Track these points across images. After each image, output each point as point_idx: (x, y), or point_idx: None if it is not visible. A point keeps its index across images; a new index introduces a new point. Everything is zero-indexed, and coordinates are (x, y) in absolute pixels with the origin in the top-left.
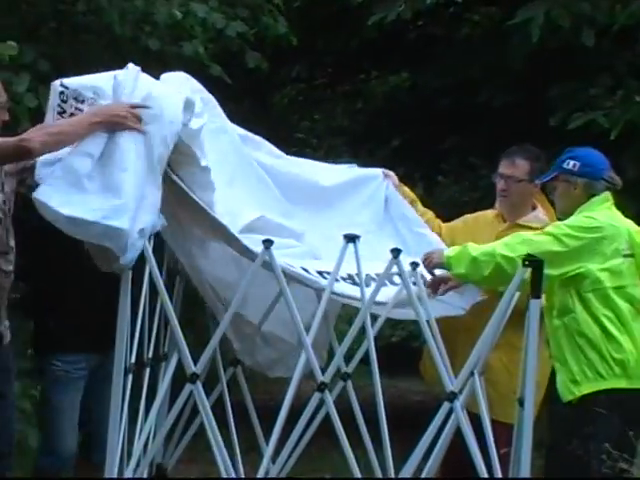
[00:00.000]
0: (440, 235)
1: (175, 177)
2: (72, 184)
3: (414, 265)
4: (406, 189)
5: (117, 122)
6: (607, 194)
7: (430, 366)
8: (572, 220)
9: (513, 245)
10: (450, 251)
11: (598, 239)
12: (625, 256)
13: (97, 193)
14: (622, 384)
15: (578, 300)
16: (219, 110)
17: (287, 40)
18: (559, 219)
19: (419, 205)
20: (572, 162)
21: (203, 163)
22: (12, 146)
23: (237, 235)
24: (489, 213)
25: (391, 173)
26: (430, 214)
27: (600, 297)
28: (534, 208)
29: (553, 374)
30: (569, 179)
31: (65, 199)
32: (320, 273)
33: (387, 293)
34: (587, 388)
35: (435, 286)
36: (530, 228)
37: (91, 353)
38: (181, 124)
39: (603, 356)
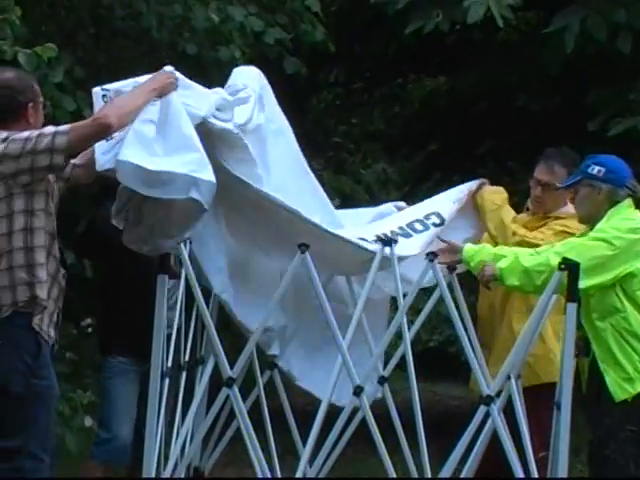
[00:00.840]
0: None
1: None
2: (145, 148)
3: (431, 256)
4: (486, 197)
5: (168, 87)
6: (630, 200)
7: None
8: (613, 224)
9: (564, 253)
10: (502, 262)
11: (632, 240)
12: None
13: (170, 154)
14: None
15: (627, 299)
16: (278, 110)
17: (325, 47)
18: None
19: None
20: (597, 168)
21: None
22: (90, 125)
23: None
24: (523, 215)
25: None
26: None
27: None
28: (565, 204)
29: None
30: (593, 184)
31: (147, 159)
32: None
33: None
34: None
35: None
36: (557, 217)
37: (141, 357)
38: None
39: None
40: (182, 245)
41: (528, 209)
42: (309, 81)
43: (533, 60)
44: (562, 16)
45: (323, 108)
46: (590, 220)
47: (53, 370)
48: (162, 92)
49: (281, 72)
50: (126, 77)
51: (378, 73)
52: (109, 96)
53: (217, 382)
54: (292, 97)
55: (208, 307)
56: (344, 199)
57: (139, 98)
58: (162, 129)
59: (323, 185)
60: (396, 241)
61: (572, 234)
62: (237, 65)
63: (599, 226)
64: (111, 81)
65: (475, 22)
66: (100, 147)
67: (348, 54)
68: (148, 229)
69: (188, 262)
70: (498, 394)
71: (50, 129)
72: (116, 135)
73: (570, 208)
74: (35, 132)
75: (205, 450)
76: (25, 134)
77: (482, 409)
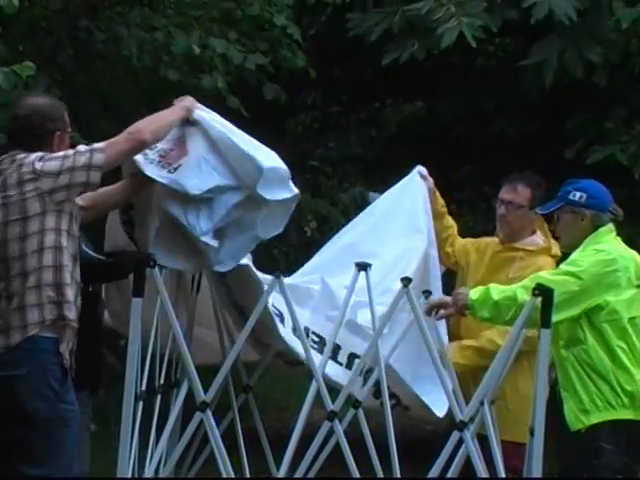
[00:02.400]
0: (453, 251)
1: None
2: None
3: (427, 294)
4: (438, 196)
5: (194, 108)
6: (611, 225)
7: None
8: (584, 255)
9: (532, 288)
10: (473, 294)
11: (613, 272)
12: (636, 287)
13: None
14: (629, 415)
15: (590, 331)
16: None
17: (305, 73)
18: (563, 253)
19: (447, 217)
20: (579, 194)
21: None
22: (125, 141)
23: None
24: (495, 240)
25: (427, 175)
26: (453, 229)
27: (616, 328)
28: (533, 232)
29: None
30: (576, 210)
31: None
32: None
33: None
34: (596, 417)
35: (430, 311)
36: (525, 250)
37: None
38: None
39: (613, 387)
40: (157, 270)
41: (497, 235)
42: (287, 105)
43: (511, 85)
44: (540, 48)
45: (301, 131)
46: (574, 246)
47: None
48: (190, 112)
49: (260, 97)
50: (104, 100)
51: (356, 97)
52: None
53: (191, 406)
54: (270, 120)
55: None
56: (320, 222)
57: (172, 114)
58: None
59: (299, 207)
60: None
61: None
62: (219, 94)
63: (572, 257)
64: (88, 103)
65: (448, 47)
66: (184, 174)
67: (326, 78)
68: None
69: (162, 285)
70: (472, 419)
71: (86, 147)
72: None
73: (538, 238)
74: (70, 150)
75: (179, 473)
76: (61, 153)
77: (455, 434)
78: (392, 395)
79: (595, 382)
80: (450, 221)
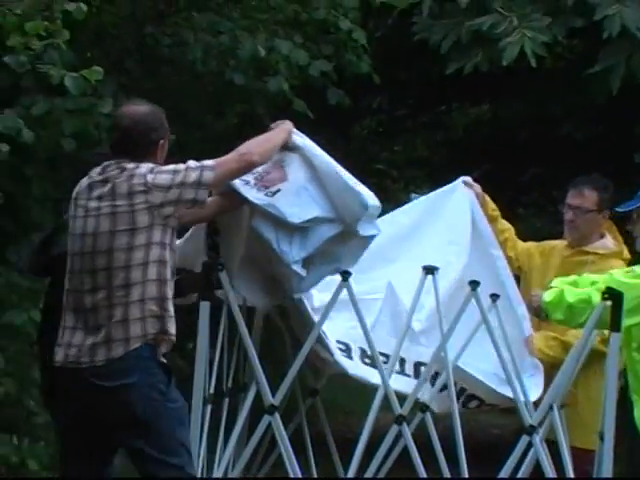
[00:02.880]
0: (515, 255)
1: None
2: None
3: (494, 297)
4: (488, 200)
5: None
6: None
7: None
8: None
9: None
10: (547, 295)
11: None
12: None
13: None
14: None
15: None
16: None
17: (370, 78)
18: (637, 253)
19: (500, 220)
20: None
21: None
22: (236, 161)
23: None
24: (562, 243)
25: (472, 182)
26: (510, 232)
27: None
28: (602, 236)
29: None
30: None
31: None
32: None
33: None
34: None
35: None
36: (596, 254)
37: None
38: None
39: None
40: (224, 273)
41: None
42: (352, 108)
43: (578, 88)
44: (607, 54)
45: (366, 135)
46: None
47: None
48: (291, 135)
49: (324, 101)
50: (170, 104)
51: (421, 100)
52: None
53: (259, 409)
54: (335, 124)
55: (250, 332)
56: None
57: (277, 136)
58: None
59: None
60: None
61: None
62: (285, 97)
63: None
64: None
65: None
66: (283, 200)
67: (391, 81)
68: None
69: (229, 286)
70: (541, 423)
71: (196, 163)
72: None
73: (608, 242)
74: (181, 165)
75: (247, 477)
76: (171, 166)
77: (524, 438)
78: (472, 396)
79: None
80: (505, 224)
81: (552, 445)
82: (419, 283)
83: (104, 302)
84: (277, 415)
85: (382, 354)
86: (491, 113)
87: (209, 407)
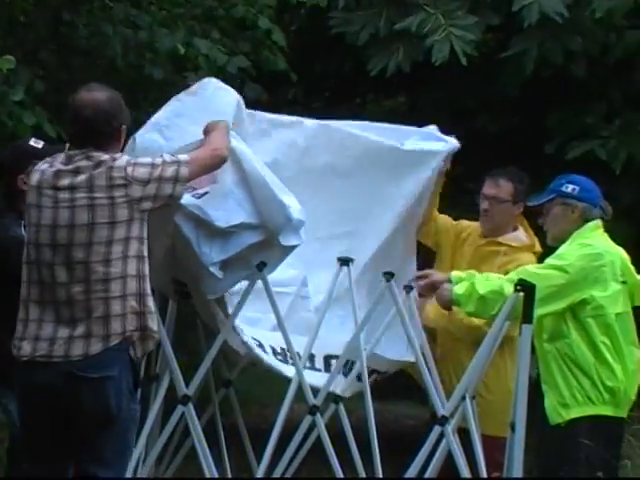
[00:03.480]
0: (436, 229)
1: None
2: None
3: (408, 289)
4: None
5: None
6: (599, 221)
7: None
8: (570, 249)
9: (526, 279)
10: (459, 288)
11: (599, 266)
12: (621, 282)
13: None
14: (608, 411)
15: (574, 326)
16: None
17: (287, 76)
18: (548, 247)
19: None
20: (571, 186)
21: None
22: (210, 157)
23: None
24: (477, 229)
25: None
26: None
27: (601, 324)
28: (515, 229)
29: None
30: (568, 202)
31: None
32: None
33: None
34: (576, 412)
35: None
36: (509, 246)
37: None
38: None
39: (594, 382)
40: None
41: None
42: (268, 100)
43: (492, 81)
44: (520, 40)
45: None
46: (561, 239)
47: None
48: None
49: (241, 94)
50: None
51: (338, 93)
52: None
53: (171, 400)
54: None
55: (164, 323)
56: None
57: (225, 134)
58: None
59: None
60: None
61: None
62: None
63: (558, 251)
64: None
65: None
66: (210, 203)
67: (307, 73)
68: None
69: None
70: (452, 414)
71: (171, 157)
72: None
73: (521, 235)
74: (158, 159)
75: (159, 468)
76: (148, 159)
77: (436, 429)
78: (372, 371)
79: (576, 377)
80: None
81: (463, 433)
82: (333, 276)
83: (81, 296)
84: (190, 405)
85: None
86: (407, 105)
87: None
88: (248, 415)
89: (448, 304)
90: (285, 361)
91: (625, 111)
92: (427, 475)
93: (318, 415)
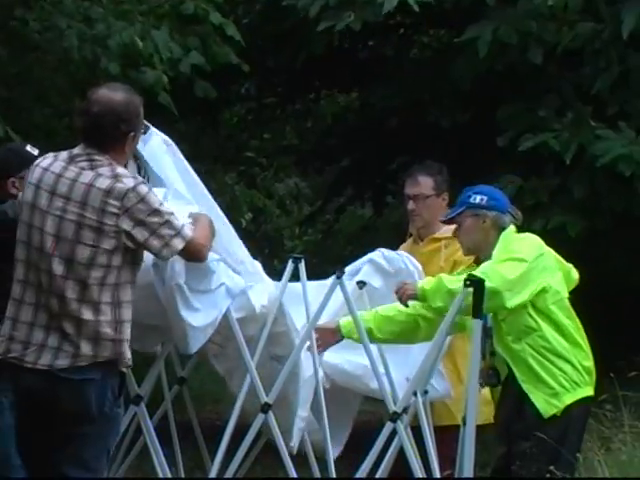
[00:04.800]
0: None
1: None
2: None
3: (361, 284)
4: None
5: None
6: (512, 227)
7: None
8: (513, 246)
9: (488, 274)
10: (425, 283)
11: (544, 255)
12: (559, 269)
13: None
14: (590, 392)
15: (540, 317)
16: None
17: (238, 69)
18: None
19: None
20: (479, 197)
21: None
22: (201, 251)
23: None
24: (407, 243)
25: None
26: None
27: (562, 308)
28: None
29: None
30: (478, 212)
31: None
32: None
33: None
34: (569, 398)
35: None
36: (447, 238)
37: None
38: None
39: (574, 366)
40: None
41: (411, 235)
42: (221, 95)
43: (444, 76)
44: (474, 28)
45: (235, 122)
46: (477, 250)
47: None
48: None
49: (192, 89)
50: (36, 91)
51: (290, 88)
52: None
53: (125, 399)
54: (204, 111)
55: None
56: (256, 213)
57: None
58: None
59: (235, 199)
60: None
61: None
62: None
63: (501, 250)
64: (20, 93)
65: (387, 36)
66: None
67: (260, 67)
68: None
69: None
70: (405, 410)
71: (176, 223)
72: None
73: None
74: (167, 212)
75: (112, 467)
76: (156, 202)
77: (389, 425)
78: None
79: (557, 365)
80: None
81: (416, 430)
82: (286, 273)
83: (56, 308)
84: (142, 405)
85: None
86: (359, 101)
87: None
88: (202, 412)
89: (408, 299)
90: None
91: (576, 104)
92: (380, 471)
93: (270, 413)
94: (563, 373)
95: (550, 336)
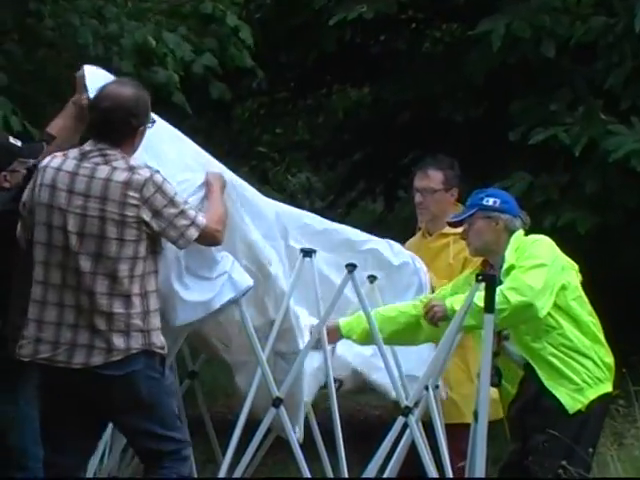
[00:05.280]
0: None
1: None
2: None
3: (372, 278)
4: None
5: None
6: (521, 231)
7: None
8: (529, 250)
9: (518, 288)
10: (454, 303)
11: (556, 256)
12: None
13: None
14: (609, 388)
15: (560, 315)
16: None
17: (253, 74)
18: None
19: None
20: (492, 199)
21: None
22: (214, 235)
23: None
24: (416, 237)
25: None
26: None
27: (582, 304)
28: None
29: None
30: (490, 215)
31: None
32: None
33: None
34: (592, 393)
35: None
36: (455, 234)
37: None
38: None
39: (595, 362)
40: None
41: (420, 229)
42: (233, 89)
43: (457, 71)
44: (488, 21)
45: (247, 117)
46: (486, 251)
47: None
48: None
49: (205, 92)
50: (49, 89)
51: (302, 83)
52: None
53: None
54: (216, 106)
55: None
56: None
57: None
58: None
59: None
60: None
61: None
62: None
63: (521, 256)
64: (35, 90)
65: (399, 31)
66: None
67: (272, 62)
68: None
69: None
70: (416, 404)
71: (191, 212)
72: None
73: None
74: (181, 202)
75: (123, 460)
76: (172, 191)
77: (400, 419)
78: (335, 380)
79: (579, 361)
80: None
81: (426, 425)
82: (297, 268)
83: (86, 305)
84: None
85: None
86: (372, 96)
87: None
88: (214, 406)
89: (441, 319)
90: None
91: (588, 98)
92: (390, 465)
93: (282, 407)
94: (585, 369)
95: (570, 333)
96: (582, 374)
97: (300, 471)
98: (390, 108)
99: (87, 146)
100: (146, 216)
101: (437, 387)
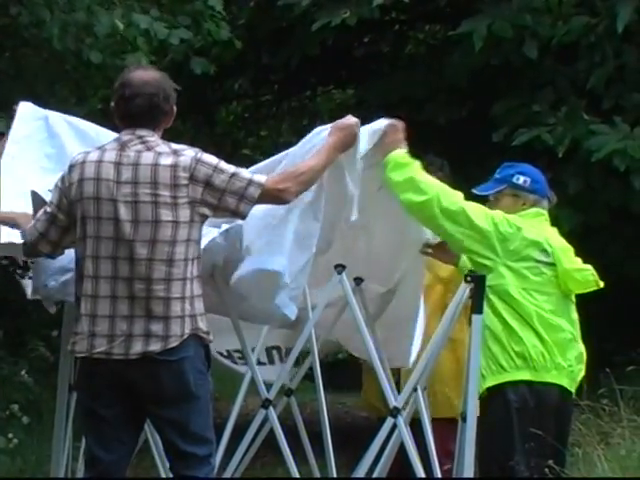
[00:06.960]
0: None
1: None
2: None
3: (358, 281)
4: None
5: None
6: (540, 210)
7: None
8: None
9: (448, 199)
10: (401, 158)
11: (517, 227)
12: (546, 264)
13: None
14: (526, 376)
15: (494, 294)
16: None
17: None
18: None
19: None
20: (523, 178)
21: None
22: (278, 190)
23: None
24: None
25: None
26: None
27: (500, 292)
28: None
29: None
30: (519, 194)
31: None
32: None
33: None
34: (491, 381)
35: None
36: None
37: None
38: None
39: (504, 348)
40: None
41: None
42: (217, 91)
43: (440, 72)
44: (470, 22)
45: (232, 120)
46: None
47: None
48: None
49: (190, 78)
50: (29, 88)
51: (287, 85)
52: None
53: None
54: (201, 108)
55: None
56: None
57: (326, 160)
58: None
59: None
60: None
61: None
62: None
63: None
64: (13, 89)
65: (382, 33)
66: None
67: (256, 65)
68: None
69: None
70: (405, 405)
71: (245, 174)
72: None
73: None
74: (229, 167)
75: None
76: (214, 160)
77: (389, 421)
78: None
79: (489, 345)
80: None
81: (415, 422)
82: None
83: (142, 293)
84: None
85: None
86: (356, 98)
87: (74, 395)
88: None
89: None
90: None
91: (571, 98)
92: (379, 467)
93: (271, 409)
94: (491, 354)
95: (486, 315)
96: (487, 359)
97: (289, 472)
98: (374, 110)
99: (125, 136)
100: (198, 194)
101: (426, 388)
